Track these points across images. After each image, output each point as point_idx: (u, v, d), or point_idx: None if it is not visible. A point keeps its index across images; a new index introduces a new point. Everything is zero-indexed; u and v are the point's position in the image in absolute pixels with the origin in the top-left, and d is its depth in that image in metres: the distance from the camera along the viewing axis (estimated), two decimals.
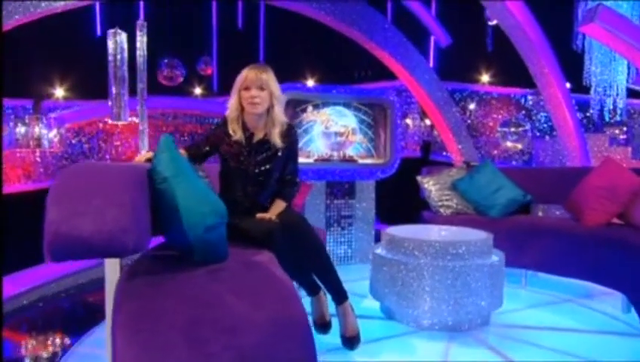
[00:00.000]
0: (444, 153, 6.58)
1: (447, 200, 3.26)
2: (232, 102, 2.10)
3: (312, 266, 1.94)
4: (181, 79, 5.96)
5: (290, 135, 2.21)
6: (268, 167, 2.14)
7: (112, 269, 1.44)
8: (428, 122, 6.31)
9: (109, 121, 3.34)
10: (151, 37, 6.05)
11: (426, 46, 6.94)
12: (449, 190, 3.30)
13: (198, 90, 6.65)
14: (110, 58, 2.78)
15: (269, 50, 6.84)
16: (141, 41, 2.90)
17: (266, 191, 2.16)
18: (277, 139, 2.14)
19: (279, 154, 2.16)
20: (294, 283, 2.01)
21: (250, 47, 6.75)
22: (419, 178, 3.38)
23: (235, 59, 6.46)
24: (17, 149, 3.47)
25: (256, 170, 2.12)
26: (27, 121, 3.68)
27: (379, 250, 2.33)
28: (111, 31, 2.78)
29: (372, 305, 2.46)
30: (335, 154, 3.57)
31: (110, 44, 2.78)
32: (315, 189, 3.46)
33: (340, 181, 3.55)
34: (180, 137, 6.17)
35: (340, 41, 5.14)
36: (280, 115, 2.16)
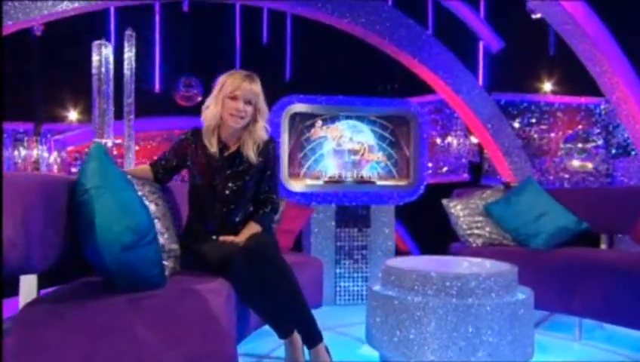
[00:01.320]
0: (499, 177, 6.24)
1: (478, 227, 3.01)
2: (210, 109, 2.07)
3: (278, 300, 1.81)
4: (199, 98, 6.16)
5: (269, 148, 2.16)
6: (239, 183, 2.08)
7: (26, 291, 1.41)
8: (475, 140, 6.03)
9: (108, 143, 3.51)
10: (167, 55, 6.36)
11: (473, 53, 6.73)
12: (481, 216, 3.06)
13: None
14: (94, 72, 2.90)
15: (295, 64, 6.94)
16: (129, 52, 3.01)
17: (238, 211, 2.10)
18: (250, 153, 2.09)
19: (253, 169, 2.10)
20: (267, 323, 1.90)
21: (275, 61, 6.89)
22: (444, 201, 3.17)
23: (259, 75, 6.64)
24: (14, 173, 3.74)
25: (226, 187, 2.06)
26: (26, 143, 3.93)
27: (376, 286, 2.15)
28: (95, 43, 2.92)
29: (371, 353, 2.27)
30: (348, 174, 3.45)
31: (94, 56, 2.91)
32: (323, 215, 3.34)
33: (352, 206, 3.41)
34: None
35: (372, 54, 5.13)
36: (262, 131, 2.12)
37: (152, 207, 1.71)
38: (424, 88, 5.18)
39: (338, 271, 3.34)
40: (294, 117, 3.42)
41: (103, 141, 2.90)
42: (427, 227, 4.58)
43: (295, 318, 1.87)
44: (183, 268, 1.91)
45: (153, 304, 1.36)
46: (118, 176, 1.49)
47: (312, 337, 1.84)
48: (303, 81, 6.75)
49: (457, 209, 3.11)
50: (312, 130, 3.48)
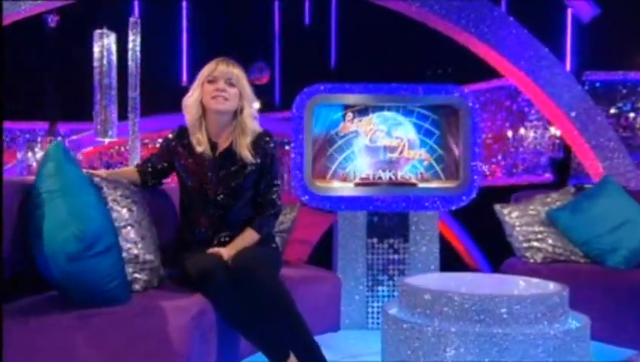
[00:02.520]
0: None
1: (538, 239, 2.84)
2: (190, 101, 2.14)
3: (269, 328, 1.81)
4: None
5: (265, 145, 2.18)
6: (233, 185, 2.12)
7: None
8: (557, 131, 5.68)
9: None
10: (195, 43, 6.59)
11: (559, 27, 6.35)
12: (542, 225, 2.87)
13: (256, 105, 6.97)
14: (95, 64, 3.06)
15: (341, 48, 6.93)
16: (134, 41, 3.15)
17: (233, 217, 2.13)
18: (245, 151, 2.13)
19: (249, 169, 2.13)
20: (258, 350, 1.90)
21: (318, 44, 6.92)
22: (497, 207, 3.02)
23: (301, 63, 6.69)
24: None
25: (219, 190, 2.10)
26: (39, 144, 4.24)
27: (393, 309, 2.09)
28: (97, 32, 3.08)
29: None
30: (384, 175, 3.38)
31: (96, 47, 3.07)
32: (351, 223, 3.30)
33: (387, 212, 3.34)
34: None
35: (427, 34, 5.03)
36: (251, 120, 2.16)
37: (123, 213, 1.77)
38: (489, 72, 4.97)
39: (370, 290, 3.27)
40: (320, 109, 3.40)
41: (106, 141, 3.04)
42: (499, 239, 4.39)
43: (295, 349, 1.85)
44: (168, 282, 1.97)
45: (102, 322, 1.41)
46: (76, 179, 1.56)
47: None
48: (350, 66, 6.73)
49: (513, 217, 2.95)
50: (342, 124, 3.44)
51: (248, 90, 2.17)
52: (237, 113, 2.15)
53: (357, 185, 3.39)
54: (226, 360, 1.85)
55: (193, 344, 1.49)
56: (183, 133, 2.19)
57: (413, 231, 3.34)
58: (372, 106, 3.44)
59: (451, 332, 1.83)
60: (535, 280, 2.18)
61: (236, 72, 2.13)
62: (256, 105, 2.26)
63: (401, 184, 3.39)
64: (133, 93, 3.18)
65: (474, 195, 3.37)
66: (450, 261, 5.59)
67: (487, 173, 6.51)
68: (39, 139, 4.34)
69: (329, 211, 3.23)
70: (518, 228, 2.90)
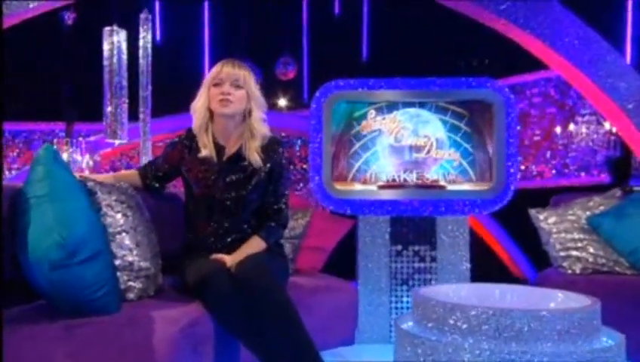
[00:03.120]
0: None
1: (576, 248, 2.77)
2: (197, 105, 2.21)
3: (272, 341, 1.83)
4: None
5: (274, 151, 2.22)
6: (243, 192, 2.17)
7: None
8: (613, 128, 5.49)
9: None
10: (217, 38, 6.71)
11: (618, 15, 6.15)
12: (583, 232, 2.80)
13: (282, 102, 7.06)
14: (105, 63, 3.18)
15: (373, 40, 6.92)
16: (144, 38, 3.25)
17: (239, 225, 2.18)
18: (255, 155, 2.19)
19: (258, 175, 2.17)
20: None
21: (349, 36, 6.93)
22: (532, 212, 2.96)
23: (331, 56, 6.71)
24: None
25: (226, 197, 2.16)
26: (55, 146, 4.43)
27: (405, 324, 2.08)
28: (107, 29, 3.19)
29: None
30: (410, 177, 3.37)
31: (105, 45, 3.18)
32: (374, 229, 3.30)
33: (413, 217, 3.32)
34: None
35: (464, 25, 4.97)
36: (260, 124, 2.22)
37: (117, 219, 1.84)
38: (533, 63, 4.87)
39: (394, 301, 3.25)
40: (340, 106, 3.42)
41: (117, 142, 3.15)
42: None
43: (293, 356, 1.88)
44: (169, 291, 2.04)
45: (88, 332, 1.47)
46: (64, 183, 1.63)
47: None
48: (382, 59, 6.71)
49: (549, 222, 2.89)
50: (364, 123, 3.45)
51: (256, 91, 2.22)
52: (245, 116, 2.21)
53: (380, 187, 3.38)
54: None
55: (181, 356, 1.54)
56: (190, 136, 2.26)
57: (441, 237, 3.31)
58: (396, 103, 3.44)
59: (465, 348, 1.82)
60: (565, 293, 2.14)
61: (242, 73, 2.18)
62: (264, 106, 2.30)
63: (428, 186, 3.36)
64: (145, 93, 3.28)
65: (508, 199, 3.32)
66: (491, 269, 5.50)
67: (535, 173, 6.37)
68: (55, 141, 4.53)
69: (347, 216, 3.24)
70: (555, 236, 2.84)
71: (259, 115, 2.22)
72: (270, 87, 6.93)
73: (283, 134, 6.84)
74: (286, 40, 6.62)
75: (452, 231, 3.32)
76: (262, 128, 2.22)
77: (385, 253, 3.30)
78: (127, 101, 3.26)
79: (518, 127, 3.44)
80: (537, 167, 6.31)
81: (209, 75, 2.20)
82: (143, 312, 1.66)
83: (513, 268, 6.12)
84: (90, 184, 1.83)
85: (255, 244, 2.15)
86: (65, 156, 4.53)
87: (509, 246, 6.11)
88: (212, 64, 6.63)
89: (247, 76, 2.19)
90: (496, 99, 3.36)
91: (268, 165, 2.21)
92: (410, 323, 2.06)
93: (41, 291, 1.54)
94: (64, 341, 1.44)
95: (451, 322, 1.90)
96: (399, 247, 3.31)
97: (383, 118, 3.45)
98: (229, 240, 2.17)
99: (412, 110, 3.45)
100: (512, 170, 3.33)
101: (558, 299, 2.09)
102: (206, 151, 2.20)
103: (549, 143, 5.90)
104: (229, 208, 2.18)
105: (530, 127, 6.30)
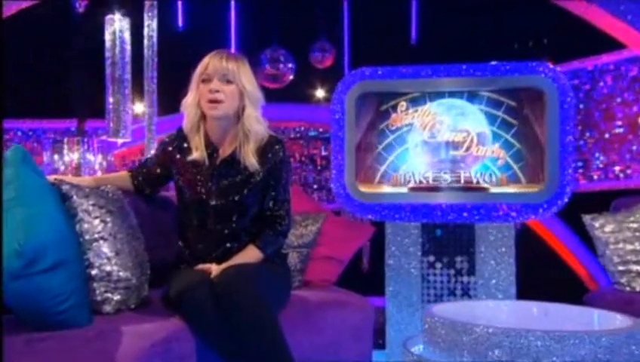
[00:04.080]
0: None
1: (637, 261, 2.68)
2: (188, 103, 2.28)
3: (247, 347, 1.89)
4: (291, 76, 6.52)
5: (274, 151, 2.27)
6: (237, 198, 2.23)
7: None
8: None
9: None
10: (247, 20, 6.83)
11: None
12: None
13: (320, 93, 7.12)
14: (107, 55, 3.33)
15: (423, 20, 6.87)
16: (149, 26, 3.38)
17: (235, 233, 2.24)
18: (250, 157, 2.23)
19: (255, 179, 2.23)
20: None
21: (396, 16, 6.90)
22: (586, 219, 2.89)
23: (375, 40, 6.71)
24: None
25: (219, 203, 2.22)
26: (66, 145, 4.64)
27: (416, 347, 2.10)
28: (108, 17, 3.34)
29: None
30: (446, 178, 3.36)
31: (107, 35, 3.33)
32: (403, 238, 3.31)
33: (448, 223, 3.31)
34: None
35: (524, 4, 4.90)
36: (255, 122, 2.25)
37: (95, 225, 1.94)
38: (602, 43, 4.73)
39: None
40: (365, 99, 3.44)
41: (119, 141, 3.29)
42: None
43: None
44: (155, 303, 2.14)
45: (49, 347, 1.57)
46: (33, 186, 1.74)
47: None
48: (435, 41, 6.64)
49: (606, 231, 2.82)
50: (393, 116, 3.46)
51: (251, 86, 2.24)
52: (240, 114, 2.26)
53: (411, 189, 3.39)
54: None
55: None
56: (181, 135, 2.33)
57: (481, 247, 3.28)
58: (430, 93, 3.43)
59: None
60: (608, 313, 2.10)
61: (232, 66, 2.20)
62: (261, 101, 2.33)
63: (468, 189, 3.35)
64: (150, 87, 3.42)
65: (563, 203, 3.25)
66: (559, 278, 5.34)
67: (618, 172, 6.15)
68: (65, 140, 4.75)
69: (367, 222, 3.27)
70: (612, 246, 2.77)
71: (253, 112, 2.24)
72: (305, 77, 6.98)
73: (321, 130, 6.91)
74: (322, 23, 6.65)
75: (494, 240, 3.29)
76: (257, 127, 2.25)
77: (416, 265, 3.31)
78: (130, 96, 3.40)
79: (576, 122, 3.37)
80: (620, 165, 6.10)
81: (197, 70, 2.23)
82: (115, 326, 1.75)
83: (588, 280, 5.94)
84: (65, 187, 1.94)
85: (250, 254, 2.21)
86: (76, 156, 4.74)
87: (583, 255, 5.94)
88: (238, 52, 6.78)
89: (238, 69, 2.20)
90: (549, 85, 3.30)
91: (266, 167, 2.26)
92: (420, 346, 2.08)
93: (5, 302, 1.65)
94: (24, 355, 1.54)
95: (463, 344, 1.90)
96: (432, 258, 3.31)
97: (416, 111, 3.45)
98: (222, 249, 2.24)
99: (449, 101, 3.43)
100: (568, 170, 3.27)
101: (594, 320, 2.05)
102: (197, 153, 2.26)
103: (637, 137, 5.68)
104: (223, 215, 2.24)
105: (611, 117, 6.08)
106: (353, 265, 3.19)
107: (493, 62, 3.37)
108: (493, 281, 3.25)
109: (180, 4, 6.28)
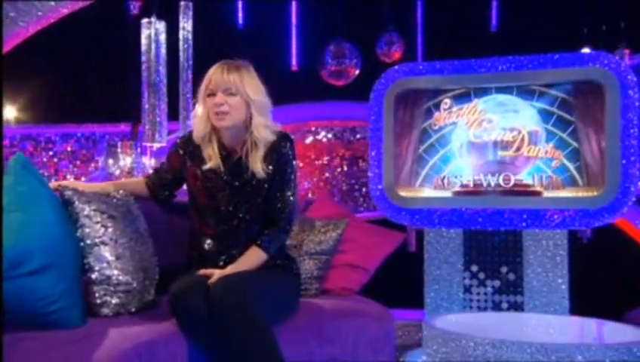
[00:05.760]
0: None
1: None
2: (198, 116, 2.52)
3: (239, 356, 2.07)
4: (356, 72, 6.68)
5: (280, 151, 2.45)
6: (248, 204, 2.43)
7: None
8: None
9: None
10: (311, 18, 7.04)
11: None
12: None
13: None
14: (143, 59, 3.64)
15: (504, 6, 6.82)
16: (185, 29, 3.66)
17: (243, 233, 2.44)
18: (258, 165, 2.44)
19: (262, 184, 2.43)
20: None
21: (475, 6, 6.90)
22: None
23: (450, 28, 6.74)
24: None
25: (231, 202, 2.44)
26: (120, 149, 5.03)
27: (419, 360, 2.20)
28: (144, 21, 3.65)
29: None
30: (494, 180, 3.41)
31: (143, 39, 3.64)
32: (443, 246, 3.38)
33: (494, 231, 3.35)
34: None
35: None
36: (263, 129, 2.45)
37: (96, 230, 2.19)
38: None
39: None
40: (406, 97, 3.55)
41: (155, 146, 3.59)
42: None
43: None
44: (161, 307, 2.36)
45: (31, 346, 1.81)
46: (31, 193, 2.01)
47: None
48: (518, 27, 6.58)
49: None
50: (436, 115, 3.55)
51: (255, 95, 2.43)
52: (247, 122, 2.46)
53: (456, 193, 3.46)
54: None
55: None
56: (189, 141, 2.56)
57: (530, 257, 3.30)
58: (476, 89, 3.49)
59: None
60: (604, 323, 2.12)
61: (233, 78, 2.39)
62: (268, 106, 2.52)
63: (518, 193, 3.38)
64: (184, 88, 3.69)
65: (624, 208, 3.21)
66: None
67: None
68: (119, 144, 5.16)
69: (398, 228, 3.36)
70: None
71: (261, 120, 2.44)
72: (372, 71, 7.10)
73: None
74: (390, 13, 6.76)
75: (544, 248, 3.30)
76: (265, 134, 2.45)
77: (457, 275, 3.38)
78: (166, 100, 3.69)
79: None
80: None
81: (203, 83, 2.46)
82: (104, 328, 1.97)
83: None
84: (68, 194, 2.20)
85: (254, 256, 2.39)
86: (129, 160, 5.14)
87: None
88: (300, 48, 7.03)
89: (241, 80, 2.39)
90: (608, 78, 3.27)
91: (272, 168, 2.45)
92: (420, 358, 2.18)
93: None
94: (9, 353, 1.79)
95: (465, 358, 1.99)
96: (476, 268, 3.37)
97: (460, 108, 3.52)
98: (232, 252, 2.44)
99: (497, 97, 3.48)
100: (632, 173, 3.22)
101: (601, 332, 2.08)
102: (212, 162, 2.48)
103: None
104: (234, 214, 2.44)
105: None
106: (386, 275, 3.28)
107: (546, 54, 3.39)
108: (544, 292, 3.26)
109: (240, 2, 6.59)
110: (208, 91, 2.43)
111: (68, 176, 6.34)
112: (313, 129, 6.93)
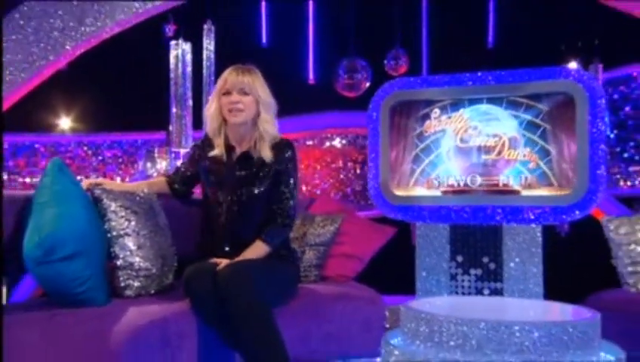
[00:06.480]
0: None
1: None
2: (211, 111, 2.63)
3: (241, 335, 2.17)
4: (367, 84, 6.75)
5: (284, 150, 2.56)
6: (250, 190, 2.54)
7: None
8: None
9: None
10: (326, 33, 7.12)
11: None
12: None
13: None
14: (171, 75, 3.77)
15: (500, 24, 6.84)
16: (208, 48, 3.78)
17: (250, 222, 2.54)
18: (267, 151, 2.54)
19: (266, 172, 2.52)
20: None
21: (474, 22, 6.94)
22: (603, 221, 2.89)
23: (452, 39, 6.79)
24: None
25: (235, 196, 2.54)
26: (156, 154, 5.19)
27: (395, 339, 2.26)
28: (173, 43, 3.78)
29: None
30: (478, 180, 3.45)
31: (171, 58, 3.77)
32: (431, 239, 3.44)
33: (476, 226, 3.39)
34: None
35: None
36: (269, 124, 2.57)
37: (121, 223, 2.31)
38: None
39: None
40: (400, 108, 3.61)
41: (182, 151, 3.71)
42: None
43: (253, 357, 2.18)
44: (177, 290, 2.47)
45: (65, 320, 1.93)
46: (65, 192, 2.13)
47: None
48: (511, 44, 6.59)
49: (620, 233, 2.81)
50: (427, 123, 3.60)
51: (264, 95, 2.57)
52: (256, 119, 2.58)
53: (445, 193, 3.51)
54: None
55: (144, 344, 1.93)
56: (206, 140, 2.68)
57: (509, 250, 3.34)
58: (462, 100, 3.54)
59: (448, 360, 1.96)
60: (560, 305, 2.17)
61: (247, 79, 2.54)
62: (274, 107, 2.63)
63: (499, 192, 3.41)
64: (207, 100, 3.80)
65: (592, 207, 3.23)
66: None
67: None
68: (156, 150, 5.32)
69: (391, 223, 3.42)
70: (624, 248, 2.76)
71: (268, 117, 2.57)
72: (381, 84, 7.15)
73: None
74: (398, 32, 6.82)
75: (521, 242, 3.33)
76: (271, 129, 2.58)
77: (444, 265, 3.43)
78: (191, 111, 3.81)
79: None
80: None
81: (218, 84, 2.59)
82: (125, 307, 2.08)
83: None
84: (97, 192, 2.32)
85: (257, 249, 2.48)
86: (164, 163, 5.29)
87: None
88: (316, 63, 7.11)
89: (253, 82, 2.54)
90: (578, 90, 3.29)
91: (277, 163, 2.55)
92: (398, 338, 2.24)
93: (38, 283, 2.05)
94: (45, 325, 1.91)
95: (440, 336, 2.04)
96: (460, 258, 3.42)
97: (449, 117, 3.57)
98: (238, 240, 2.52)
99: (482, 107, 3.52)
100: (598, 175, 3.24)
101: (552, 312, 2.12)
102: (218, 150, 2.60)
103: None
104: (238, 207, 2.53)
105: None
106: (384, 265, 3.36)
107: (525, 69, 3.42)
108: (520, 281, 3.30)
109: (264, 22, 6.71)
110: (224, 90, 2.54)
111: (115, 178, 6.53)
112: (329, 136, 7.02)
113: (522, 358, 1.87)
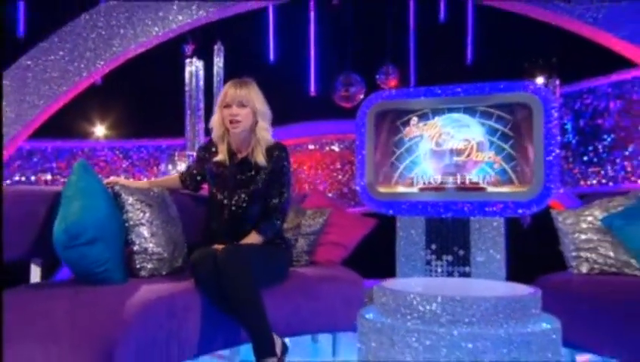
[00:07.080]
0: None
1: (587, 249, 2.73)
2: (214, 120, 2.72)
3: (237, 312, 2.26)
4: (361, 96, 6.84)
5: (277, 152, 2.64)
6: (250, 190, 2.62)
7: (33, 277, 2.30)
8: None
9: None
10: (327, 51, 7.21)
11: None
12: (598, 233, 2.75)
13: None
14: (187, 89, 3.87)
15: (478, 44, 6.90)
16: (218, 65, 3.89)
17: (247, 219, 2.63)
18: (260, 157, 2.63)
19: (262, 173, 2.61)
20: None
21: (454, 41, 7.02)
22: (553, 213, 2.96)
23: (435, 57, 6.87)
24: None
25: (236, 195, 2.63)
26: (177, 158, 5.31)
27: (369, 314, 2.34)
28: (187, 60, 3.89)
29: None
30: (450, 179, 3.53)
31: (186, 74, 3.88)
32: (409, 231, 3.52)
33: (447, 219, 3.47)
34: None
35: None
36: (264, 131, 2.65)
37: (137, 214, 2.41)
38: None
39: None
40: (384, 116, 3.69)
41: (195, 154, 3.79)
42: None
43: (245, 324, 2.28)
44: (185, 273, 2.57)
45: (86, 295, 2.03)
46: (89, 187, 2.23)
47: (261, 348, 2.23)
48: (487, 63, 6.67)
49: (567, 223, 2.87)
50: (406, 129, 3.68)
51: (260, 105, 2.65)
52: (253, 127, 2.66)
53: (421, 190, 3.59)
54: (209, 340, 2.36)
55: (153, 316, 2.03)
56: (211, 144, 2.78)
57: (475, 240, 3.41)
58: (436, 109, 3.61)
59: (419, 333, 2.03)
60: (509, 284, 2.25)
61: (244, 93, 2.61)
62: (269, 115, 2.72)
63: (468, 188, 3.49)
64: None
65: (547, 202, 3.30)
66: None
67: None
68: (176, 153, 5.44)
69: (371, 216, 3.50)
70: (570, 236, 2.82)
71: (263, 125, 2.65)
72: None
73: None
74: (389, 50, 6.92)
75: (485, 233, 3.40)
76: (266, 136, 2.66)
77: (420, 253, 3.51)
78: (203, 119, 3.91)
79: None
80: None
81: (220, 97, 2.67)
82: (139, 285, 2.18)
83: None
84: (116, 188, 2.42)
85: (252, 238, 2.56)
86: (184, 165, 5.41)
87: None
88: (317, 78, 7.19)
89: (250, 94, 2.61)
90: (534, 101, 3.37)
91: (271, 165, 2.63)
92: (371, 314, 2.32)
93: (66, 265, 2.16)
94: (69, 300, 2.01)
95: (407, 310, 2.11)
96: (434, 247, 3.49)
97: (425, 124, 3.64)
98: (235, 231, 2.60)
99: (452, 115, 3.59)
100: (551, 174, 3.31)
101: (498, 289, 2.21)
102: (221, 155, 2.69)
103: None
104: (239, 205, 2.62)
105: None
106: (370, 253, 3.44)
107: (489, 82, 3.50)
108: (486, 266, 3.37)
109: (271, 41, 6.81)
110: (224, 103, 2.62)
111: (141, 178, 6.66)
112: (329, 141, 7.12)
113: (473, 328, 1.96)
